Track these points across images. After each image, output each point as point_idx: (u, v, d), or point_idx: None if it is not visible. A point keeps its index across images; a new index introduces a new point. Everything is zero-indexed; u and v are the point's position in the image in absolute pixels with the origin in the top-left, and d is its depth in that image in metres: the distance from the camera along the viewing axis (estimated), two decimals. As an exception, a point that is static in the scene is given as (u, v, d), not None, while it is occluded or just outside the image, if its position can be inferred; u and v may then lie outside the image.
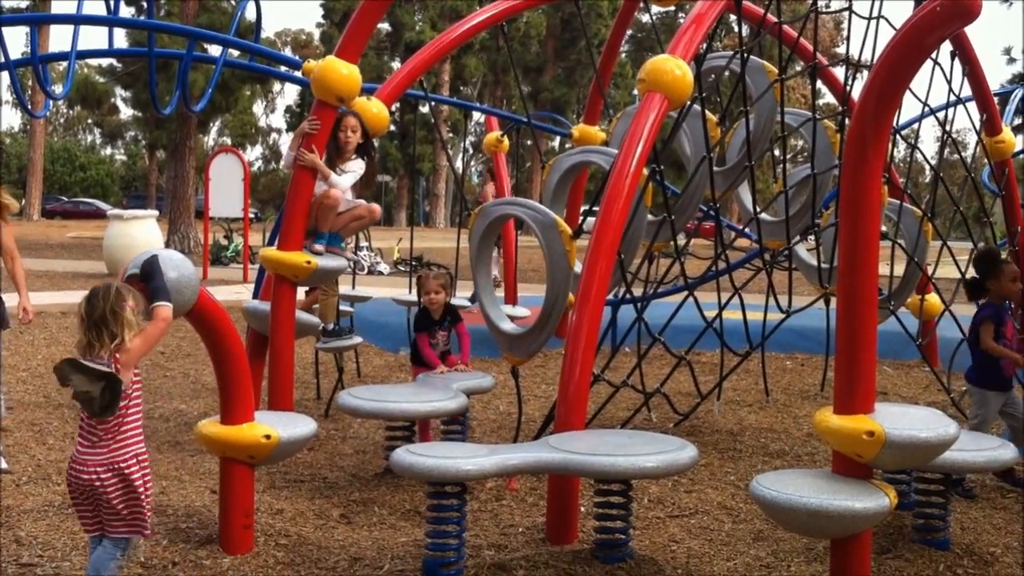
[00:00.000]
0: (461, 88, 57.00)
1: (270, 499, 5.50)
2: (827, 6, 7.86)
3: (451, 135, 51.73)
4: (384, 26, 51.17)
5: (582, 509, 5.15)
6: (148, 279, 3.97)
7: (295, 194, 6.41)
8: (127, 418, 3.82)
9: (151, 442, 6.65)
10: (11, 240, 6.19)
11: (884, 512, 3.89)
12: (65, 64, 11.13)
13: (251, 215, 25.45)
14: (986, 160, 9.35)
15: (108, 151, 75.97)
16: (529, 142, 29.73)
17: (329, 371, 8.53)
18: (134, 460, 3.82)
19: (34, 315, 6.48)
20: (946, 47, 8.27)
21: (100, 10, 10.31)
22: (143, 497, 3.82)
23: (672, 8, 10.04)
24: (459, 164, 43.16)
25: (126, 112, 63.52)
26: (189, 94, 11.02)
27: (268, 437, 4.57)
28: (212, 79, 10.34)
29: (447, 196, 54.00)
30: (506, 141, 11.75)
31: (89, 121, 74.23)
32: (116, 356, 3.73)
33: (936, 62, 8.05)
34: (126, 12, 28.96)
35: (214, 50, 13.28)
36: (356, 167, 6.72)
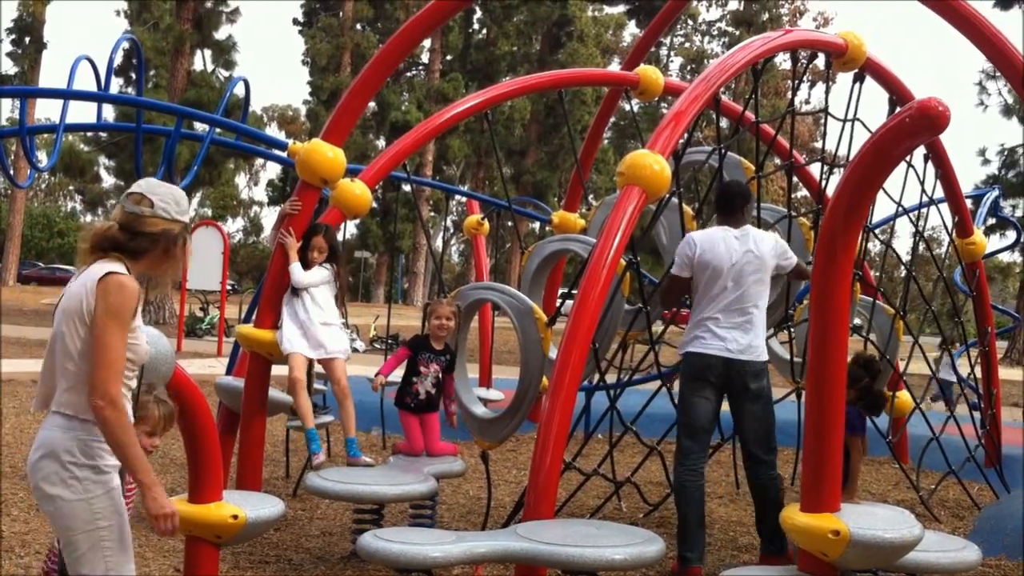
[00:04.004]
0: (444, 168, 57.50)
1: (234, 579, 5.44)
2: (805, 103, 8.06)
3: (433, 214, 52.12)
4: (370, 105, 51.78)
5: (549, 599, 5.12)
6: None
7: (273, 273, 6.46)
8: None
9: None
10: None
11: (848, 612, 3.90)
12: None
13: (229, 286, 25.45)
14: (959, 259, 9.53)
15: (88, 218, 75.86)
16: (510, 223, 30.03)
17: (299, 448, 8.47)
18: None
19: None
20: (920, 150, 8.48)
21: (90, 84, 10.44)
22: None
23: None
24: (439, 243, 43.41)
25: (109, 180, 63.58)
26: (175, 169, 11.11)
27: (235, 517, 4.53)
28: (198, 157, 10.44)
29: (426, 274, 54.13)
30: (486, 224, 11.87)
31: (71, 188, 74.25)
32: None
33: (910, 164, 8.25)
34: (114, 82, 29.22)
35: (200, 124, 13.43)
36: (320, 272, 6.37)
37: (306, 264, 6.32)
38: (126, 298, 3.31)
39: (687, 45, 56.40)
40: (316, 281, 6.30)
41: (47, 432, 3.38)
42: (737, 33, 49.78)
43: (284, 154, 10.45)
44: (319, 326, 6.27)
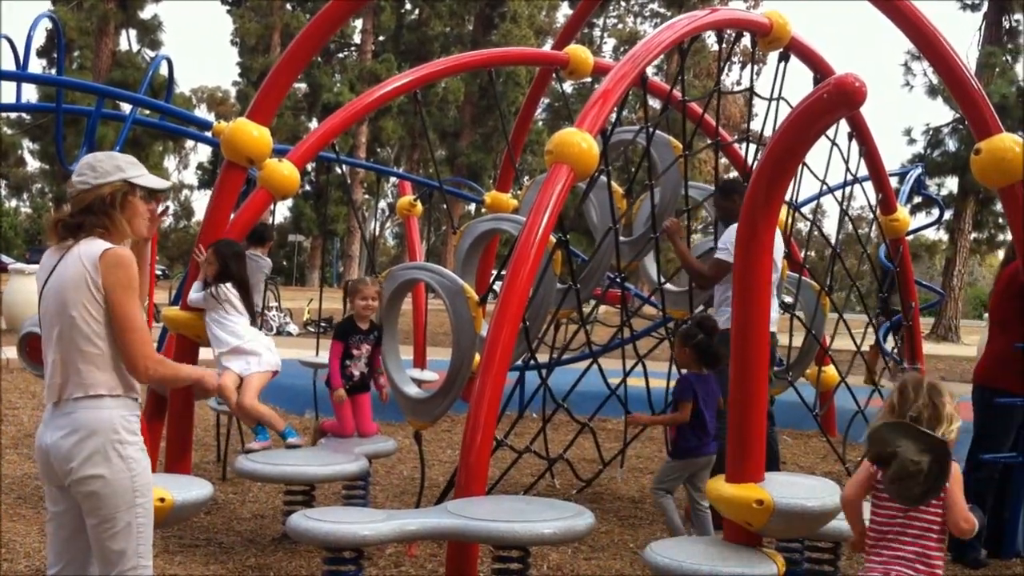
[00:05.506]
0: (379, 150, 57.06)
1: (163, 563, 5.39)
2: (737, 84, 8.16)
3: (367, 196, 51.73)
4: (301, 86, 51.16)
5: (481, 575, 5.14)
6: None
7: (195, 261, 6.40)
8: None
9: (41, 504, 6.46)
10: None
11: (771, 580, 3.97)
12: (-30, 115, 10.94)
13: (158, 272, 25.00)
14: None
15: (13, 203, 74.07)
16: (444, 205, 30.04)
17: (231, 433, 8.39)
18: None
19: None
20: (844, 128, 8.62)
21: (9, 64, 10.17)
22: None
23: (588, 79, 10.28)
24: (373, 226, 43.10)
25: (33, 164, 62.16)
26: (97, 150, 10.85)
27: (162, 500, 4.48)
28: (120, 137, 10.22)
29: (361, 257, 53.77)
30: (419, 205, 11.83)
31: (-6, 172, 72.39)
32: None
33: (834, 143, 8.37)
34: (36, 64, 28.53)
35: (127, 105, 13.16)
36: (200, 297, 6.19)
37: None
38: (128, 268, 3.39)
39: (620, 26, 56.56)
40: (198, 305, 6.20)
41: (80, 414, 3.36)
42: (669, 14, 50.02)
43: (210, 134, 10.29)
44: (219, 357, 6.13)
